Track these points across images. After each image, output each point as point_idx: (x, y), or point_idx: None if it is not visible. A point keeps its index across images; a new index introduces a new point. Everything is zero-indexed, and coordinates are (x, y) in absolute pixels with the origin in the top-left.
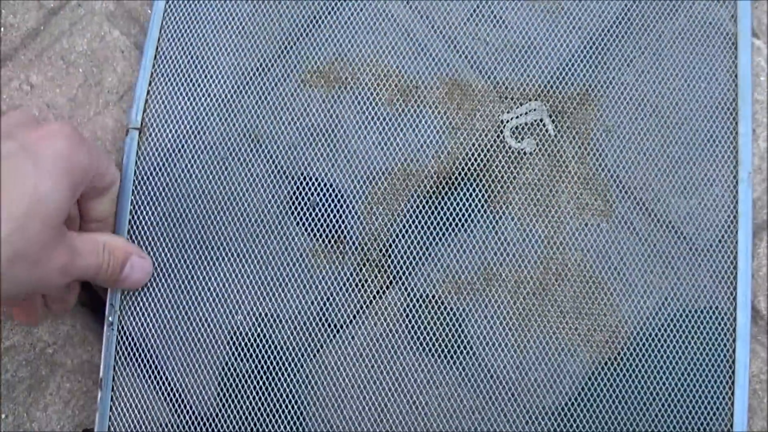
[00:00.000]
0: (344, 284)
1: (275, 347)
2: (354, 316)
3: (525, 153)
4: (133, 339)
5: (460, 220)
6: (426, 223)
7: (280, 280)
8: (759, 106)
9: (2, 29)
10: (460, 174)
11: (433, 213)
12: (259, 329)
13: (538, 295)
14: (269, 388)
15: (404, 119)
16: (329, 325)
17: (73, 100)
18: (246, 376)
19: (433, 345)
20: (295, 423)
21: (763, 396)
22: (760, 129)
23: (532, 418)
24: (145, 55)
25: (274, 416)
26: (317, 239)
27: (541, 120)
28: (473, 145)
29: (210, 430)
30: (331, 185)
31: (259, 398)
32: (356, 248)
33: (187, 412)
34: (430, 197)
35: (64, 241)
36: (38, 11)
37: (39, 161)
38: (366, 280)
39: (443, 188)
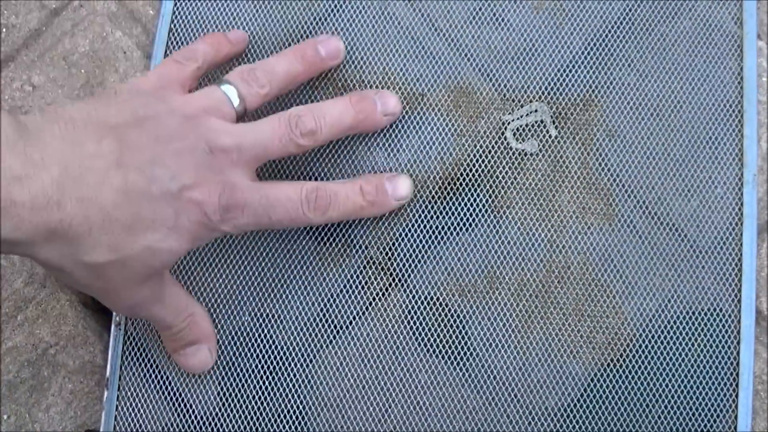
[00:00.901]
0: (347, 285)
1: (278, 348)
2: (357, 317)
3: (527, 155)
4: (138, 339)
5: (462, 222)
6: (429, 225)
7: (284, 281)
8: (760, 107)
9: (4, 30)
10: (463, 177)
11: (436, 215)
12: (262, 330)
13: (540, 297)
14: (272, 389)
15: (408, 124)
16: (332, 326)
17: (75, 100)
18: (249, 376)
19: (436, 346)
20: (297, 423)
21: (765, 397)
22: (762, 130)
23: (534, 419)
24: (154, 57)
25: (277, 416)
26: (321, 241)
27: (542, 122)
28: (476, 148)
29: (213, 430)
30: None
31: (263, 398)
32: (360, 250)
33: (191, 412)
34: (433, 200)
35: (155, 285)
36: (40, 12)
37: (180, 217)
38: (369, 282)
39: (446, 191)
